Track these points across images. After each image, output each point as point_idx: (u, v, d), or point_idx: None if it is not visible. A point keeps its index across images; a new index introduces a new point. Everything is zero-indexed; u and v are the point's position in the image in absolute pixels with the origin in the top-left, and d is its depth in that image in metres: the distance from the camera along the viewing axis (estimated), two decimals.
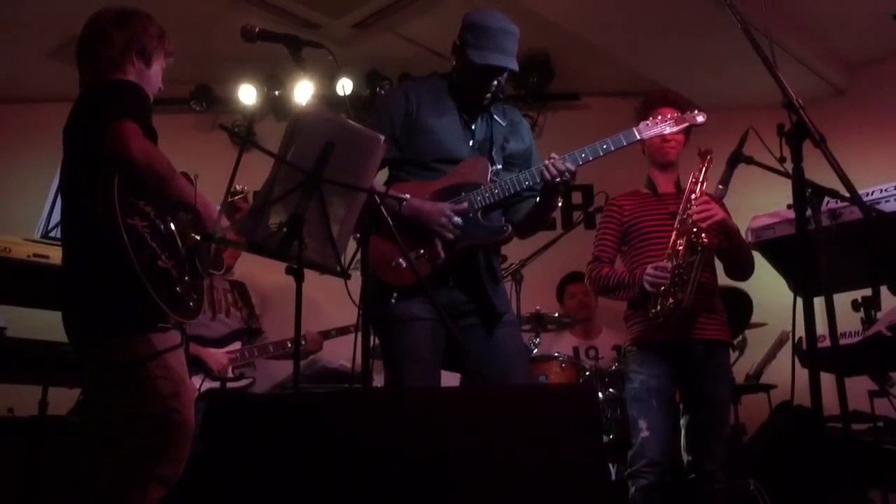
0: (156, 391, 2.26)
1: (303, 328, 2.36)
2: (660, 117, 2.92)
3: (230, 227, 2.55)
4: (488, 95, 2.83)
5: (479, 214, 2.74)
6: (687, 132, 3.30)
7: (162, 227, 2.37)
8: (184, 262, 2.41)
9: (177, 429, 2.25)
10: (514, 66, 2.76)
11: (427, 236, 2.70)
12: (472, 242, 2.74)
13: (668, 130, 2.93)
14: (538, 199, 2.82)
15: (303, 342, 4.16)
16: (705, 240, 3.14)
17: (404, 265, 2.64)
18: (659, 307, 3.13)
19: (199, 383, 3.75)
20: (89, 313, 2.32)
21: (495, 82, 2.80)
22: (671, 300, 3.11)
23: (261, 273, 4.48)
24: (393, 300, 2.65)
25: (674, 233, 3.20)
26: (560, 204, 3.11)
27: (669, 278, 3.12)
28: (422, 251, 2.69)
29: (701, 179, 3.22)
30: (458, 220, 2.69)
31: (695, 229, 3.15)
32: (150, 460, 2.22)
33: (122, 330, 2.28)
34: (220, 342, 4.12)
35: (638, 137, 2.85)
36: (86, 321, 2.34)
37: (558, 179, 2.66)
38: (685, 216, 3.18)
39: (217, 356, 4.02)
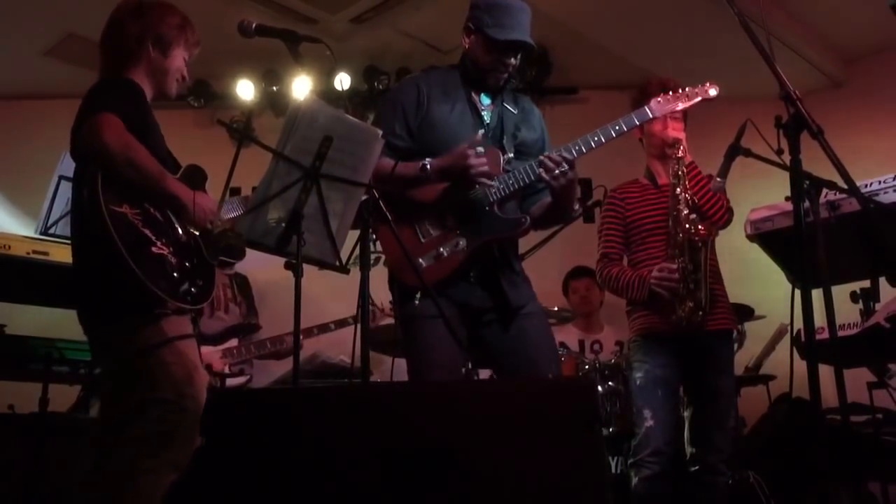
0: (168, 376, 2.27)
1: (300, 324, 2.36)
2: (671, 94, 2.84)
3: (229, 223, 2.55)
4: (505, 75, 2.80)
5: (495, 207, 2.70)
6: (685, 120, 3.28)
7: (157, 214, 2.36)
8: (186, 248, 2.40)
9: (189, 414, 2.26)
10: (532, 42, 2.74)
11: (467, 186, 2.66)
12: (491, 237, 2.70)
13: (681, 106, 2.84)
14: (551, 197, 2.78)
15: (283, 344, 4.15)
16: (703, 232, 3.10)
17: (424, 265, 2.63)
18: (680, 312, 3.08)
19: None
20: (91, 303, 2.34)
21: (513, 61, 2.76)
22: (690, 303, 3.07)
23: (259, 268, 4.47)
24: (416, 301, 2.62)
25: (670, 230, 3.15)
26: (578, 196, 3.04)
27: (679, 279, 3.07)
28: (441, 250, 2.67)
29: (680, 173, 3.16)
30: (480, 149, 2.63)
31: (688, 225, 3.09)
32: (162, 445, 2.23)
33: (122, 317, 2.28)
34: (215, 339, 4.10)
35: (651, 116, 2.79)
36: (90, 312, 2.36)
37: (557, 171, 2.60)
38: (675, 213, 3.14)
39: (209, 358, 3.97)
